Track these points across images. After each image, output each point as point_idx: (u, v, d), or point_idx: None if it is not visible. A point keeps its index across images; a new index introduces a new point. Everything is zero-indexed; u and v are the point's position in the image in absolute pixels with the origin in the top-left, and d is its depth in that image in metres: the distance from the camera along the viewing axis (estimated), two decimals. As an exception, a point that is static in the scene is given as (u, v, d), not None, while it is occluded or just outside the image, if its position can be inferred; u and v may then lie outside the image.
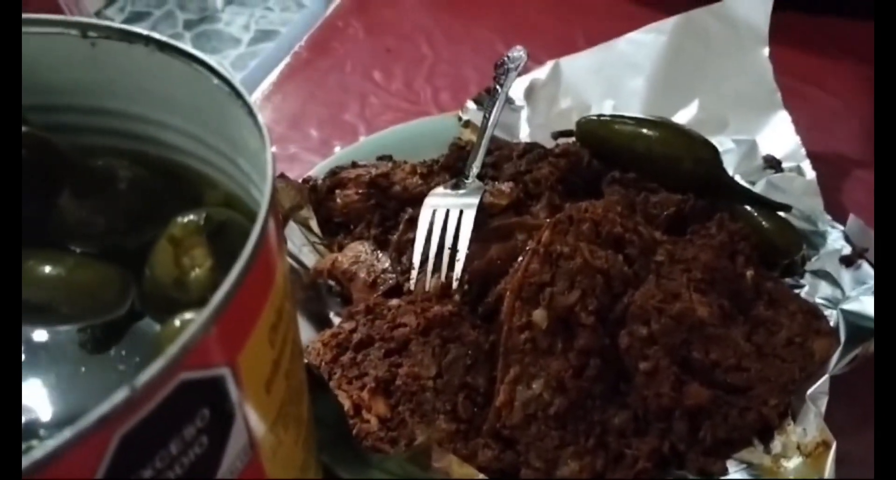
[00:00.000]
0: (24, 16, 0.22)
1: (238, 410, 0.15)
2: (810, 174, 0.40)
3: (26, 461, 0.12)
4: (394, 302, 0.34)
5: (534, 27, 0.56)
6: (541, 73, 0.48)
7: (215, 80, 0.20)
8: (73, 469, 0.12)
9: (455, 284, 0.33)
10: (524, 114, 0.46)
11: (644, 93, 0.46)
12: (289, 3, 2.25)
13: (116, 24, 0.21)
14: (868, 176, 0.44)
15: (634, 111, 0.44)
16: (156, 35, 0.21)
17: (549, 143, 0.43)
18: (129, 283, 0.20)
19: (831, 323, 0.32)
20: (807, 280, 0.36)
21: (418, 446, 0.28)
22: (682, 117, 0.44)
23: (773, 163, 0.41)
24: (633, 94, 0.46)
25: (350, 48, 0.56)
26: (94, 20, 0.21)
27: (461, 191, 0.37)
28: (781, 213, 0.37)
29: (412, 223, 0.36)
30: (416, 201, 0.37)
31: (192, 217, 0.19)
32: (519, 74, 0.46)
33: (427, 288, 0.34)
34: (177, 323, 0.17)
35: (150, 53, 0.21)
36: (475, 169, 0.38)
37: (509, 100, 0.45)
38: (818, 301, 0.34)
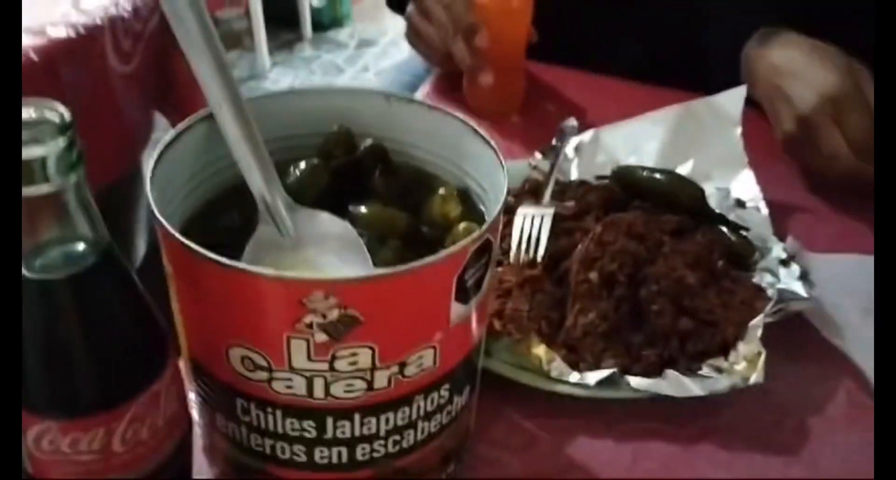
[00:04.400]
0: (354, 87, 0.42)
1: (493, 251, 0.36)
2: (764, 211, 0.62)
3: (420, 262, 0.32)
4: (499, 269, 0.54)
5: (580, 105, 0.79)
6: (586, 136, 0.69)
7: (460, 124, 0.41)
8: (448, 270, 0.33)
9: (539, 259, 0.54)
10: (574, 163, 0.68)
11: (656, 153, 0.68)
12: (330, 67, 2.51)
13: (408, 94, 0.42)
14: (802, 213, 0.65)
15: (649, 165, 0.66)
16: (428, 100, 0.42)
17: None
18: (408, 216, 0.40)
19: (768, 295, 0.53)
20: (757, 273, 0.56)
21: (522, 340, 0.48)
22: (681, 171, 0.66)
23: (740, 203, 0.62)
24: (648, 154, 0.68)
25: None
26: (393, 91, 0.42)
27: (541, 206, 0.58)
28: (743, 233, 0.59)
29: (509, 224, 0.57)
30: (511, 211, 0.58)
31: (449, 186, 0.40)
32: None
33: (521, 261, 0.54)
34: (460, 228, 0.38)
35: (422, 109, 0.42)
36: (548, 194, 0.60)
37: (564, 154, 0.67)
38: (763, 284, 0.55)
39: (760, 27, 0.74)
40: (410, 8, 0.78)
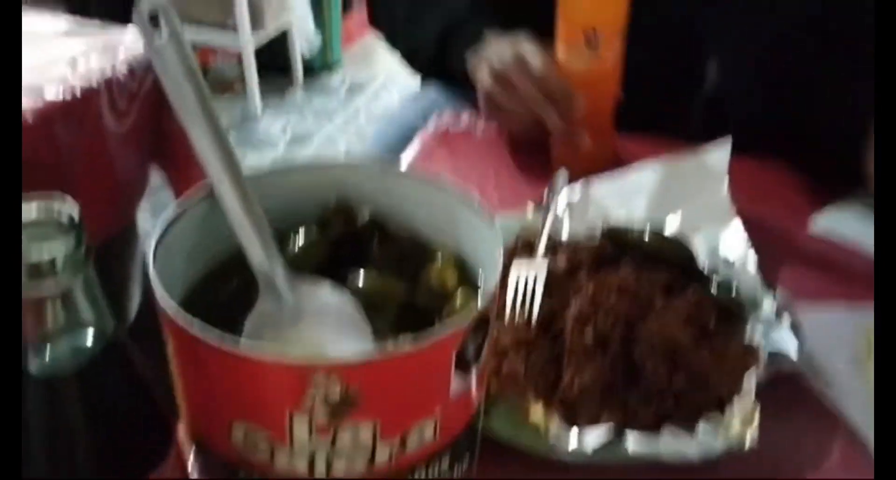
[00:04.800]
0: (350, 161, 0.44)
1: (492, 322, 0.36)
2: (753, 263, 0.63)
3: (415, 339, 0.33)
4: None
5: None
6: (576, 189, 0.71)
7: (455, 195, 0.42)
8: (448, 345, 0.33)
9: (533, 318, 0.55)
10: (566, 216, 0.69)
11: (645, 206, 0.69)
12: (321, 112, 2.54)
13: (402, 169, 0.43)
14: (790, 264, 0.66)
15: (639, 220, 0.68)
16: (420, 173, 0.43)
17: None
18: (405, 285, 0.41)
19: (760, 352, 0.54)
20: (748, 327, 0.57)
21: (520, 404, 0.49)
22: (670, 223, 0.67)
23: (729, 257, 0.64)
24: (638, 207, 0.69)
25: (439, 167, 0.79)
26: (391, 164, 0.43)
27: (534, 264, 0.59)
28: (733, 287, 0.60)
29: (503, 281, 0.58)
30: (505, 268, 0.59)
31: (444, 256, 0.41)
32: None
33: (516, 320, 0.55)
34: (458, 299, 0.38)
35: (417, 180, 0.43)
36: (541, 250, 0.61)
37: (555, 208, 0.68)
38: (755, 339, 0.56)
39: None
40: (487, 81, 0.76)
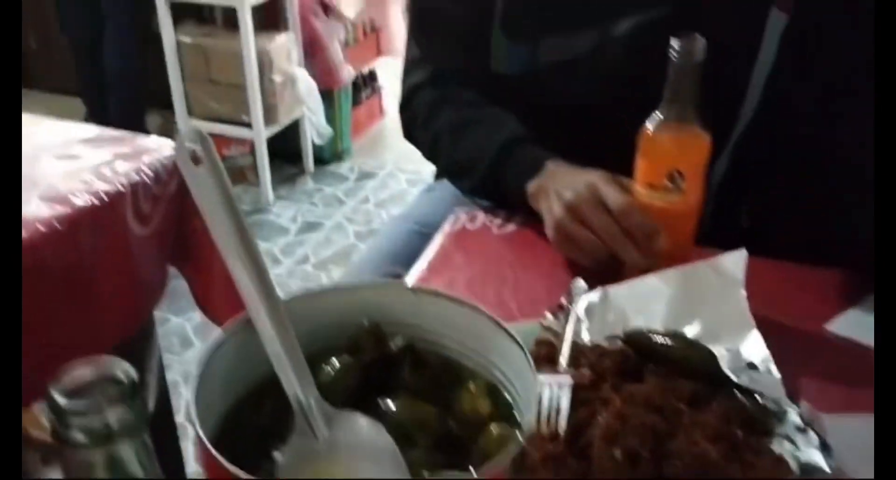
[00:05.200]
0: (382, 282, 0.45)
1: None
2: (776, 373, 0.63)
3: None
4: (521, 443, 0.54)
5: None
6: (594, 295, 0.72)
7: (486, 319, 0.42)
8: None
9: (560, 432, 0.54)
10: (584, 324, 0.69)
11: (663, 313, 0.70)
12: (331, 200, 2.58)
13: (435, 288, 0.44)
14: (813, 373, 0.66)
15: (657, 325, 0.68)
16: (449, 293, 0.44)
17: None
18: (438, 412, 0.41)
19: (790, 467, 0.53)
20: (776, 440, 0.57)
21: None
22: (689, 331, 0.68)
23: (752, 366, 0.64)
24: (656, 314, 0.70)
25: (455, 273, 0.80)
26: (420, 285, 0.44)
27: (557, 375, 0.59)
28: (758, 397, 0.59)
29: (528, 394, 0.58)
30: (528, 380, 0.59)
31: (478, 381, 0.41)
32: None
33: (543, 434, 0.55)
34: (493, 430, 0.39)
35: (448, 302, 0.44)
36: (564, 361, 0.61)
37: (576, 316, 0.69)
38: (783, 452, 0.55)
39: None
40: (559, 212, 0.76)
